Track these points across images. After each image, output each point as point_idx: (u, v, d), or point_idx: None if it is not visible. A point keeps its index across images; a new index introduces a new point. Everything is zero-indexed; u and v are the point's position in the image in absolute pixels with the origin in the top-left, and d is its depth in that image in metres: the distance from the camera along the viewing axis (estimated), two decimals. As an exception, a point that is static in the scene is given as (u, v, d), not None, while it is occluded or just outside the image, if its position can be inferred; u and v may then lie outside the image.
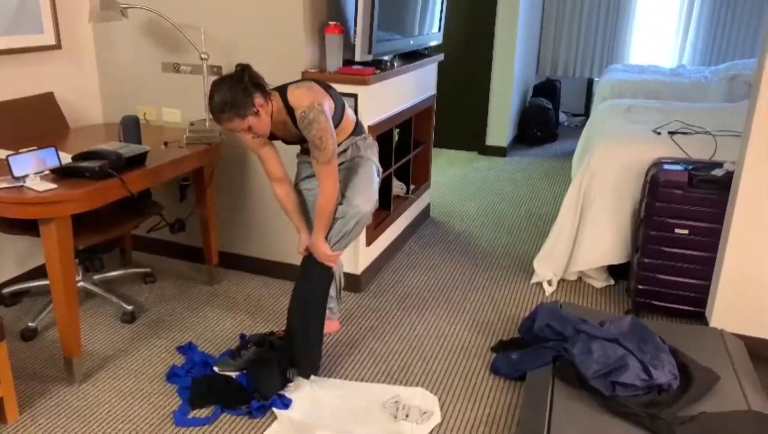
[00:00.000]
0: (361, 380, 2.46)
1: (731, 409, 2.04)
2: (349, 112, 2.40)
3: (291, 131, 2.29)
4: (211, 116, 2.16)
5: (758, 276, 2.61)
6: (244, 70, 2.13)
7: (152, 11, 2.87)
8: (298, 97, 2.19)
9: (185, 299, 3.04)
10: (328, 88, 2.28)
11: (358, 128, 2.45)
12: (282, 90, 2.23)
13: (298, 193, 2.53)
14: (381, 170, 2.50)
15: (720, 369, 2.24)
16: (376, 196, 2.36)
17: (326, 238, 2.35)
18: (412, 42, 3.38)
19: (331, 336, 2.75)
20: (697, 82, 5.45)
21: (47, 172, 2.28)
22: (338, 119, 2.31)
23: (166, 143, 2.77)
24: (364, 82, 2.78)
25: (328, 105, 2.21)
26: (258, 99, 2.12)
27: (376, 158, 2.47)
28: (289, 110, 2.21)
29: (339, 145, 2.38)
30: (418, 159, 3.95)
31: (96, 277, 3.01)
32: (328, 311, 2.66)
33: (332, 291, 2.66)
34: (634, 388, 2.06)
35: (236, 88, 2.08)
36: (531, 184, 4.96)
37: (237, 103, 2.08)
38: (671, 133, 3.30)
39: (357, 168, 2.38)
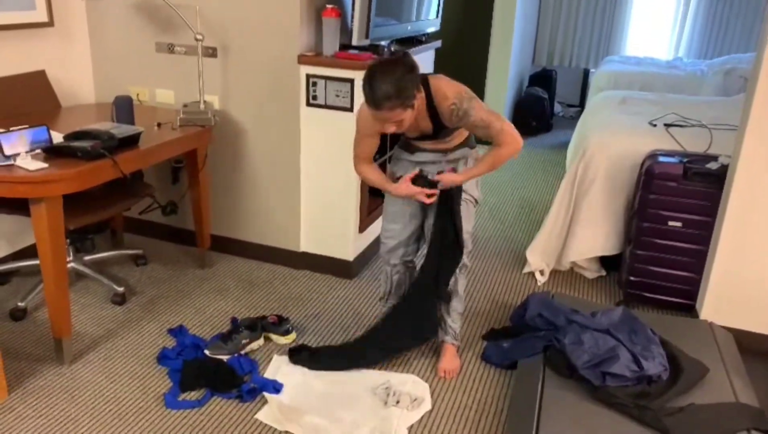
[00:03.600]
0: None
1: (719, 401, 2.06)
2: None
3: (423, 123, 2.16)
4: (370, 101, 1.95)
5: (749, 270, 2.63)
6: (408, 56, 1.98)
7: (147, -10, 2.83)
8: (445, 87, 2.08)
9: (177, 282, 3.02)
10: None
11: (472, 138, 2.33)
12: (423, 81, 2.10)
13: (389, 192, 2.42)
14: (478, 201, 2.39)
15: (709, 361, 2.25)
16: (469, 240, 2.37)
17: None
18: (409, 28, 3.35)
19: (323, 322, 2.75)
20: (693, 74, 5.45)
21: (38, 151, 2.25)
22: None
23: (159, 125, 2.75)
24: (361, 67, 2.75)
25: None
26: (417, 91, 2.00)
27: (477, 191, 2.37)
28: (429, 101, 2.09)
29: (454, 150, 2.29)
30: (413, 146, 3.93)
31: (87, 258, 2.99)
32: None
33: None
34: (624, 379, 2.07)
35: (408, 78, 1.93)
36: (525, 174, 4.96)
37: (406, 94, 1.93)
38: (667, 125, 3.31)
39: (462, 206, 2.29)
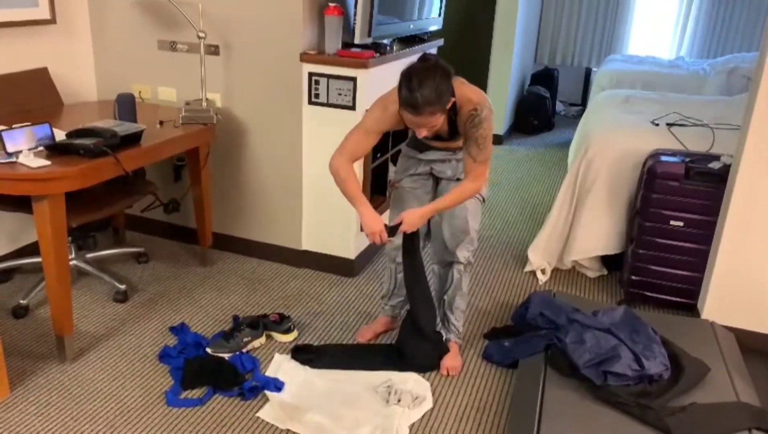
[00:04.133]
0: (354, 364, 2.46)
1: (721, 400, 2.06)
2: None
3: (443, 124, 2.14)
4: (410, 106, 1.94)
5: (751, 270, 2.63)
6: (441, 60, 1.99)
7: (149, -13, 2.83)
8: (470, 92, 2.10)
9: (178, 280, 3.03)
10: None
11: None
12: None
13: (397, 190, 2.41)
14: (485, 199, 2.42)
15: (710, 360, 2.25)
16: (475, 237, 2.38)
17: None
18: (411, 26, 3.35)
19: (324, 320, 2.75)
20: (695, 74, 5.44)
21: (41, 148, 2.25)
22: None
23: (161, 122, 2.75)
24: (364, 66, 2.75)
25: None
26: (452, 96, 2.01)
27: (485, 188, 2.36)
28: (452, 104, 2.07)
29: (460, 150, 2.29)
30: (415, 145, 3.92)
31: (89, 256, 2.99)
32: (390, 309, 2.64)
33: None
34: (625, 378, 2.07)
35: (446, 83, 1.94)
36: (527, 172, 4.96)
37: (445, 99, 1.95)
38: (669, 124, 3.30)
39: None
